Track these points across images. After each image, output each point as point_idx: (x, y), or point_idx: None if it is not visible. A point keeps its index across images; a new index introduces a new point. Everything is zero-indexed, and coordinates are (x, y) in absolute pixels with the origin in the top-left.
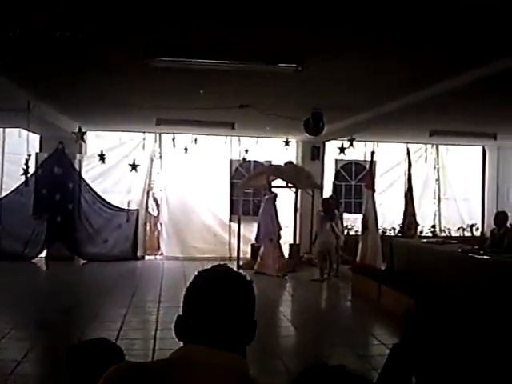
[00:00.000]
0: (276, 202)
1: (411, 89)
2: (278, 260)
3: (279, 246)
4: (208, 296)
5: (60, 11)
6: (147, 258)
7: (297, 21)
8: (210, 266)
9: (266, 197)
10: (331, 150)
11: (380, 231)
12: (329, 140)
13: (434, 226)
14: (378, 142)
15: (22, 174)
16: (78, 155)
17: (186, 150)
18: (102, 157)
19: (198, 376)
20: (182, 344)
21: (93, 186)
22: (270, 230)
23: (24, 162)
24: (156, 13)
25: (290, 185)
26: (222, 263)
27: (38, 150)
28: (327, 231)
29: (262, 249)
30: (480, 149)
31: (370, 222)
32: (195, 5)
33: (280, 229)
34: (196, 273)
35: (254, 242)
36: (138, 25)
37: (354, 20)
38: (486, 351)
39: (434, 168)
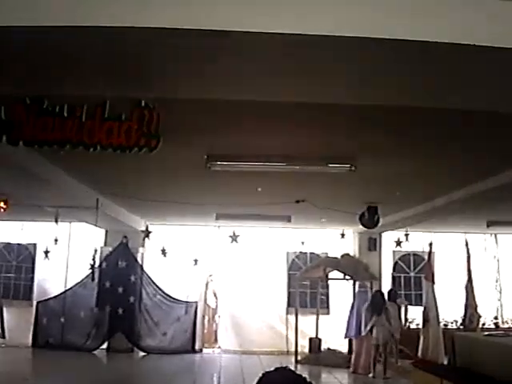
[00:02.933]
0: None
1: (464, 183)
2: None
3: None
4: None
5: (138, 130)
6: (205, 350)
7: (349, 125)
8: (273, 369)
9: (358, 290)
10: (388, 240)
11: (441, 324)
12: (385, 231)
13: (496, 318)
14: (435, 232)
15: (90, 269)
16: (140, 249)
17: (244, 243)
18: (164, 252)
19: None
20: None
21: (154, 278)
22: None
23: (91, 256)
24: (220, 123)
25: (347, 277)
26: (284, 366)
27: (102, 244)
28: (379, 325)
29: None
30: None
31: (430, 314)
32: (255, 117)
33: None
34: (260, 374)
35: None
36: (204, 134)
37: (404, 122)
38: None
39: (494, 257)
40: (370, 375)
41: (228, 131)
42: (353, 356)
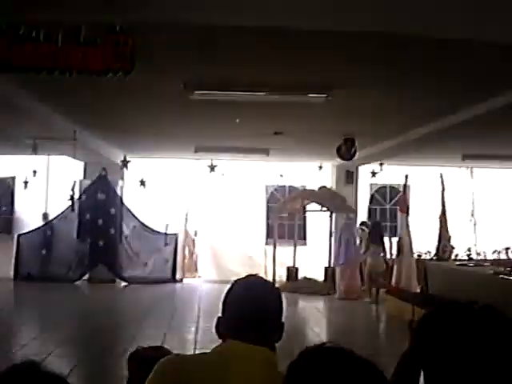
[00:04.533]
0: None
1: (439, 115)
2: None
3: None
4: (244, 300)
5: (114, 54)
6: (185, 280)
7: (325, 55)
8: (244, 275)
9: (345, 222)
10: (365, 174)
11: (415, 255)
12: (362, 164)
13: (469, 249)
14: (412, 165)
15: (69, 200)
16: (120, 181)
17: (223, 175)
18: (143, 183)
19: (237, 366)
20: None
21: (134, 210)
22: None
23: (70, 188)
24: (196, 50)
25: (324, 208)
26: (254, 273)
27: (81, 177)
28: (376, 254)
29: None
30: None
31: (404, 245)
32: (232, 43)
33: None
34: (233, 281)
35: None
36: (180, 61)
37: (379, 53)
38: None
39: (469, 191)
40: (368, 299)
41: (205, 59)
42: (338, 283)
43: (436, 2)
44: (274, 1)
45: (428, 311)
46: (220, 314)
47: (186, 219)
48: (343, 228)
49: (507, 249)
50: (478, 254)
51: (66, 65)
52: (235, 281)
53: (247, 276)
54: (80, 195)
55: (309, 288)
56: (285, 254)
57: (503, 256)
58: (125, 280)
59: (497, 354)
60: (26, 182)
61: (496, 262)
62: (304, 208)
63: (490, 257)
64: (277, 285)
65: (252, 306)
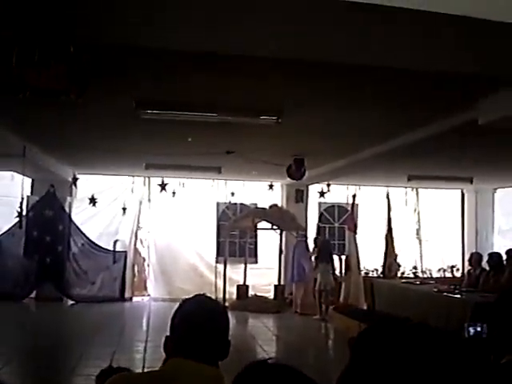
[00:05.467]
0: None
1: (386, 137)
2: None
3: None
4: (192, 319)
5: (67, 75)
6: (134, 299)
7: (276, 79)
8: (192, 295)
9: (298, 240)
10: (315, 192)
11: (362, 272)
12: (312, 183)
13: (415, 267)
14: (359, 185)
15: (17, 217)
16: (68, 198)
17: (173, 193)
18: (92, 200)
19: (185, 383)
20: None
21: (82, 228)
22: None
23: (18, 204)
24: (148, 70)
25: (274, 227)
26: (202, 293)
27: (29, 193)
28: (325, 272)
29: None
30: (459, 192)
31: (352, 263)
32: (185, 65)
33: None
34: (181, 300)
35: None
36: (132, 80)
37: (329, 78)
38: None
39: (415, 211)
40: (317, 317)
41: (158, 80)
42: (295, 299)
43: (384, 30)
44: (223, 28)
45: (363, 329)
46: (168, 333)
47: (136, 236)
48: (296, 245)
49: (452, 267)
50: (424, 271)
51: (19, 84)
52: (183, 300)
53: (195, 295)
54: (27, 212)
55: (259, 306)
56: (235, 272)
57: (448, 274)
58: (72, 298)
59: (425, 370)
60: None
61: (440, 280)
62: (255, 226)
63: (436, 275)
64: (227, 303)
65: (199, 325)
